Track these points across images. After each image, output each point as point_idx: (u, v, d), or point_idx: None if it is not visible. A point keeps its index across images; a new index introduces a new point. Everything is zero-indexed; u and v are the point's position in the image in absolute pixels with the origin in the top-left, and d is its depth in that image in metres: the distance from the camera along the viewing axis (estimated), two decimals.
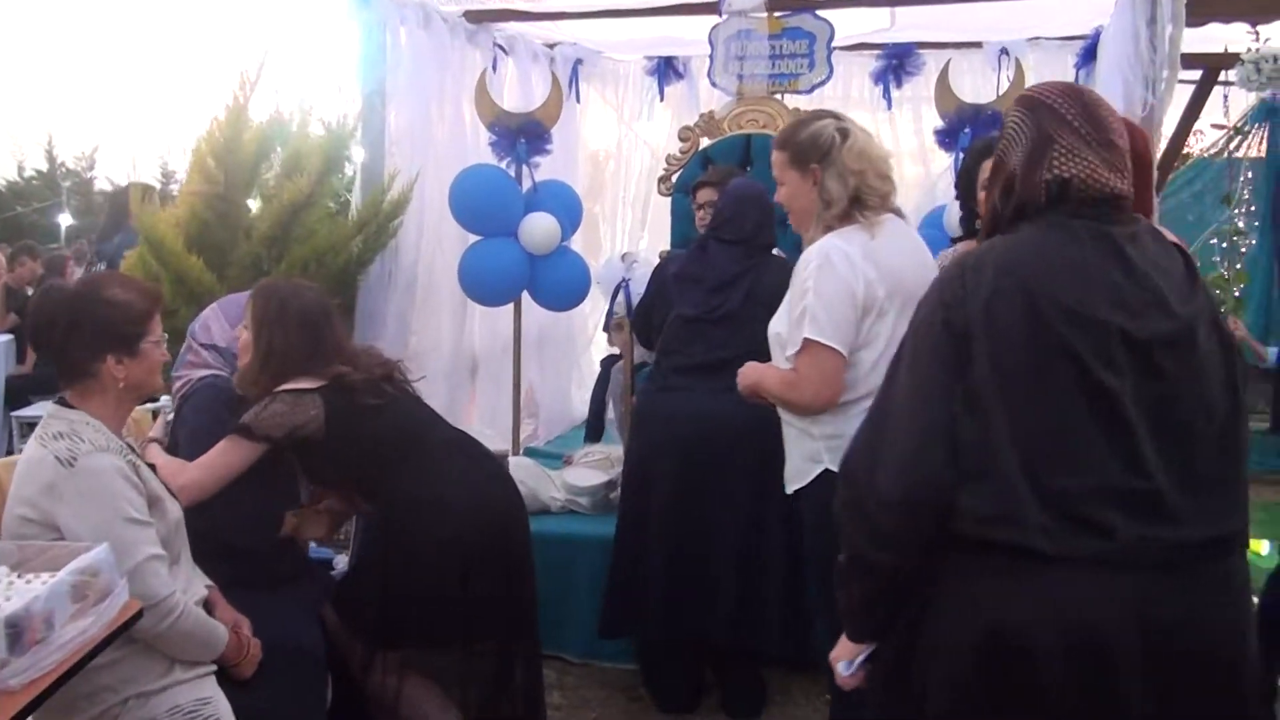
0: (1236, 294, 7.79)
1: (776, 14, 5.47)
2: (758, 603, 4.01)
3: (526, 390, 6.47)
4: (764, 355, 3.35)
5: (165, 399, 3.81)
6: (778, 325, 3.26)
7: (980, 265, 2.16)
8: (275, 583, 3.47)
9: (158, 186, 26.00)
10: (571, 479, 5.02)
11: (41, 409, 2.90)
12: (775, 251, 4.27)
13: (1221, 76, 7.02)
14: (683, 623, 4.12)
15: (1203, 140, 9.40)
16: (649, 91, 7.08)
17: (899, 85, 6.24)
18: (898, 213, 3.30)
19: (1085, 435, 2.06)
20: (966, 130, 5.13)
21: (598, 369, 7.32)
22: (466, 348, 6.09)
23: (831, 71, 5.56)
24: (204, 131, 4.82)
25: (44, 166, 33.59)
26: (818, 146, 3.22)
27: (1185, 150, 8.54)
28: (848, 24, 5.79)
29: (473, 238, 5.43)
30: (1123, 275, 2.12)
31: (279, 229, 4.75)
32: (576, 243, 6.11)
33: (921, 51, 6.15)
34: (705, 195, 4.91)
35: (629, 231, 7.47)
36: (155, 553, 2.73)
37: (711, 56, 5.60)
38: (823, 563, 3.12)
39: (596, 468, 5.14)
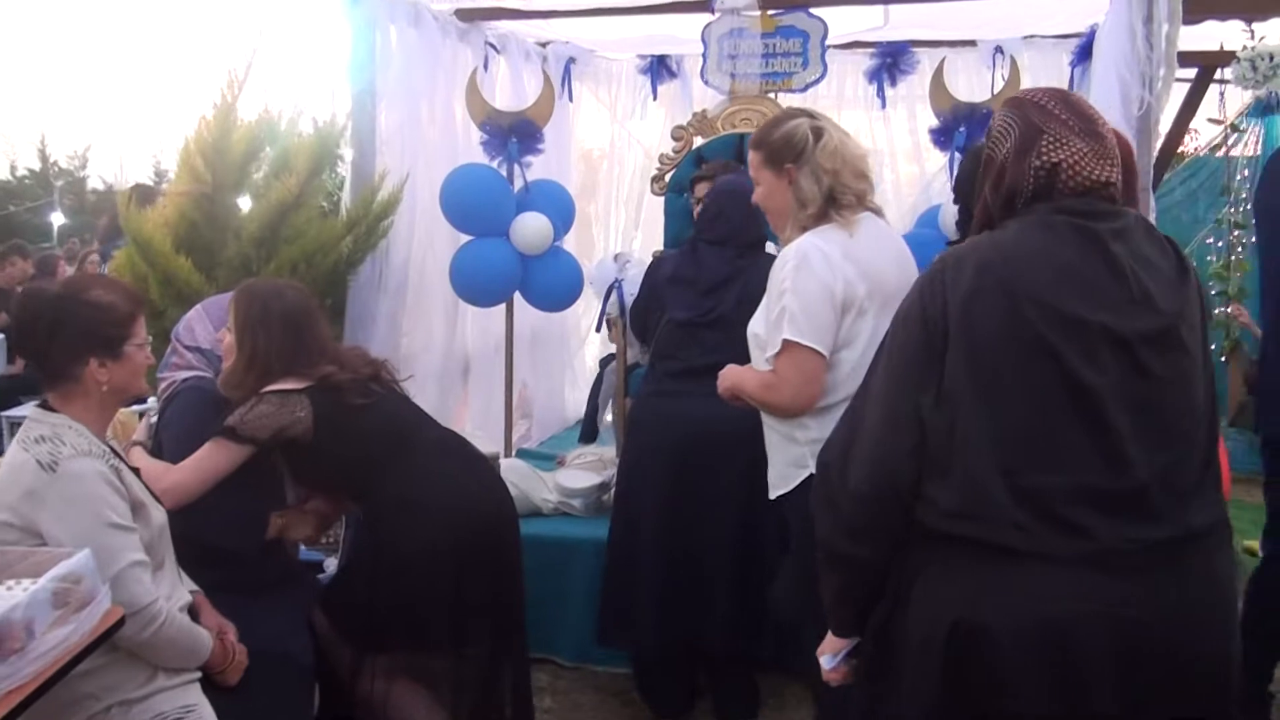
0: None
1: (770, 12, 5.44)
2: (751, 608, 3.97)
3: (519, 391, 6.43)
4: None
5: (151, 401, 3.77)
6: (756, 326, 3.23)
7: (961, 262, 2.17)
8: (261, 587, 3.44)
9: (150, 185, 25.97)
10: (564, 481, 4.99)
11: (30, 410, 2.86)
12: (770, 247, 4.23)
13: (1217, 75, 7.00)
14: (678, 630, 4.08)
15: (1198, 139, 9.38)
16: (642, 90, 7.03)
17: (893, 84, 6.20)
18: (877, 211, 3.29)
19: (1065, 433, 2.06)
20: (961, 129, 5.10)
21: (591, 369, 7.32)
22: (458, 349, 6.05)
23: (825, 70, 5.52)
24: (192, 131, 4.77)
25: (37, 165, 33.60)
26: (792, 146, 3.21)
27: (1180, 149, 8.52)
28: (841, 22, 5.75)
29: (464, 238, 5.39)
30: (1107, 272, 2.11)
31: (268, 230, 4.70)
32: (569, 242, 6.07)
33: (916, 50, 6.11)
34: (702, 190, 4.88)
35: (622, 231, 7.43)
36: (138, 559, 2.69)
37: (704, 55, 5.57)
38: (812, 568, 3.13)
39: (589, 469, 5.11)
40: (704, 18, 5.51)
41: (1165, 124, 5.60)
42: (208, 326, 3.66)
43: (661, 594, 4.07)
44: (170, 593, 2.88)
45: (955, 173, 4.99)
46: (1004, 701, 2.07)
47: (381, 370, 3.64)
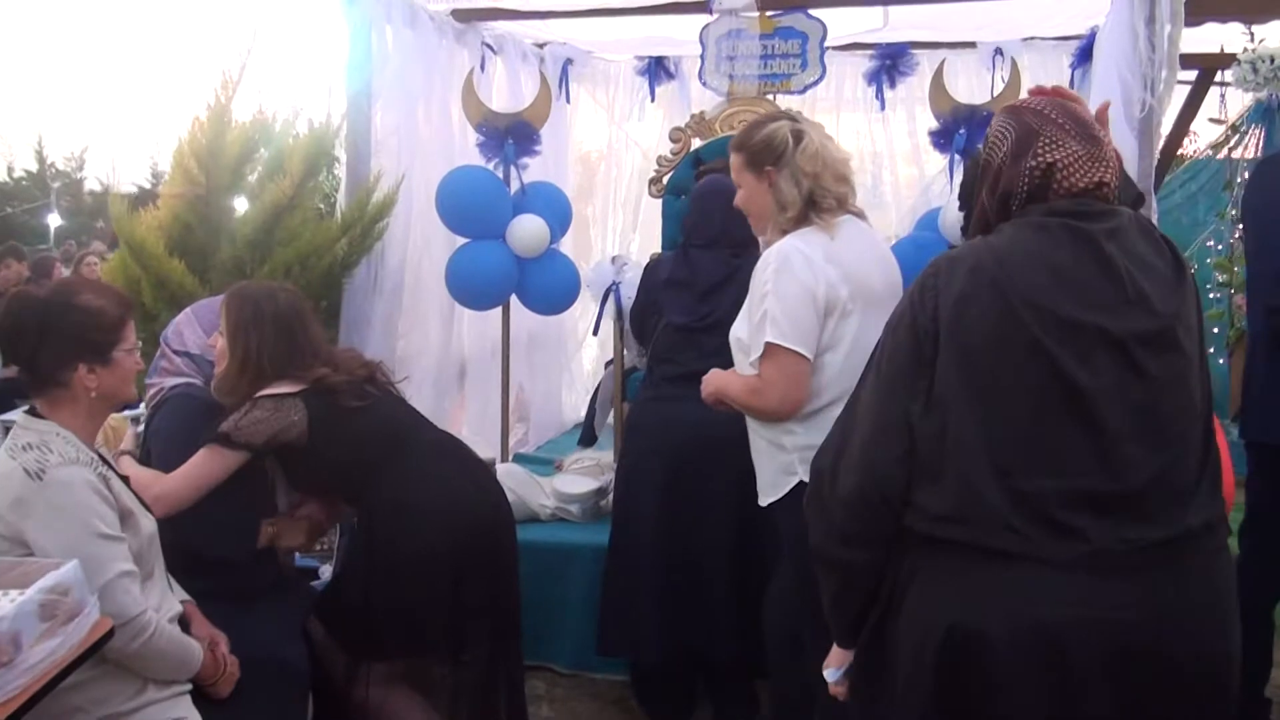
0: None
1: (768, 13, 5.40)
2: (751, 614, 3.94)
3: (516, 395, 6.39)
4: None
5: (142, 406, 3.73)
6: (739, 330, 3.22)
7: (953, 266, 2.17)
8: (254, 595, 3.40)
9: (148, 187, 25.96)
10: (561, 486, 4.95)
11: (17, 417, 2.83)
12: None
13: (1218, 77, 6.99)
14: (677, 637, 4.05)
15: (1197, 141, 9.37)
16: (640, 92, 7.00)
17: (892, 86, 6.17)
18: (859, 214, 3.29)
19: (1059, 436, 2.05)
20: (961, 131, 5.06)
21: (588, 372, 7.29)
22: (455, 352, 6.01)
23: (824, 72, 5.48)
24: (186, 132, 4.73)
25: (34, 167, 33.57)
26: (772, 149, 3.22)
27: (1180, 152, 8.50)
28: (840, 24, 5.72)
29: (460, 240, 5.35)
30: (1101, 273, 2.10)
31: (262, 232, 4.66)
32: (566, 245, 6.03)
33: (915, 52, 6.09)
34: None
35: (620, 233, 7.40)
36: (126, 569, 2.65)
37: (702, 56, 5.52)
38: (802, 577, 3.11)
39: (587, 474, 5.08)
40: (702, 19, 5.47)
41: (1166, 126, 5.58)
42: (197, 331, 3.61)
43: (660, 601, 4.03)
44: (160, 603, 2.83)
45: (955, 177, 4.98)
46: (999, 706, 2.06)
47: (376, 372, 3.61)
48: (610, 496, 4.68)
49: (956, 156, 5.06)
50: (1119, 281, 2.11)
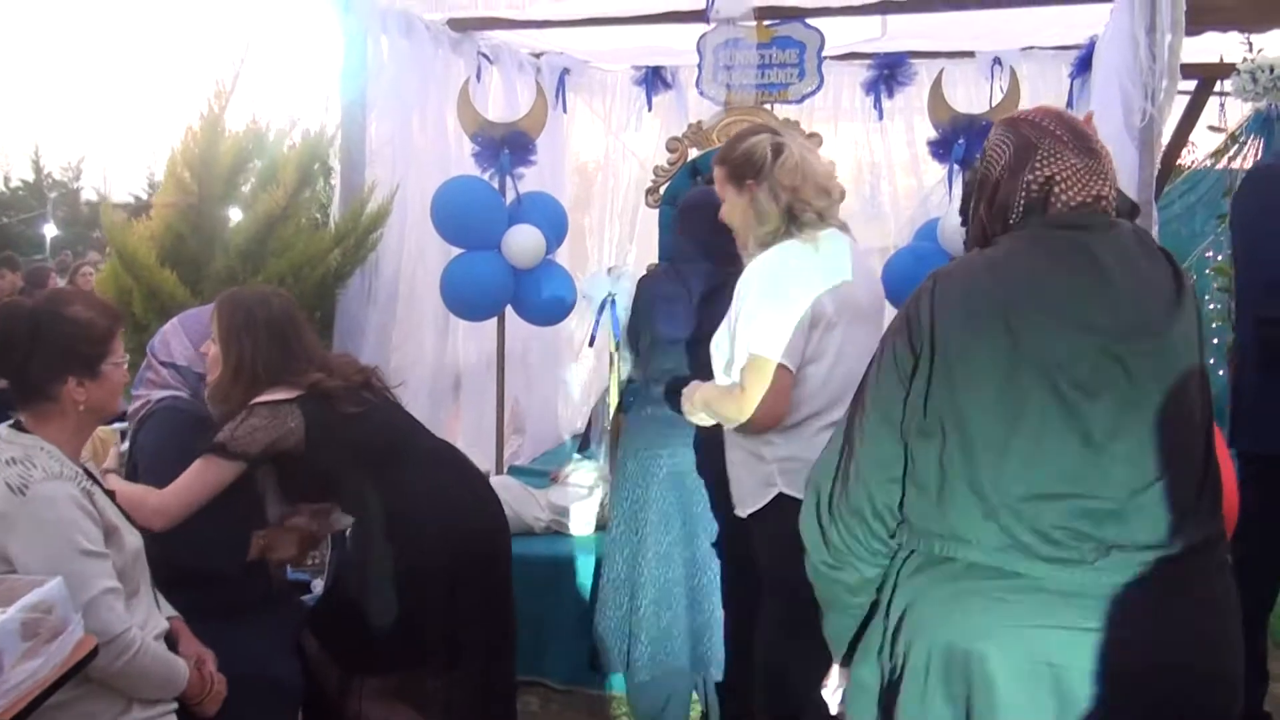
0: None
1: (766, 22, 5.37)
2: (746, 629, 3.90)
3: (511, 407, 6.35)
4: None
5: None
6: (720, 341, 3.23)
7: (948, 279, 2.16)
8: (245, 610, 3.35)
9: (144, 197, 25.97)
10: (556, 499, 4.91)
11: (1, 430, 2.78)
12: None
13: (1217, 87, 6.96)
14: (673, 655, 3.99)
15: (1195, 152, 9.34)
16: (637, 102, 6.95)
17: (890, 95, 6.12)
18: (842, 228, 3.30)
19: (1056, 452, 2.03)
20: (960, 141, 5.04)
21: (585, 383, 7.24)
22: (449, 363, 5.97)
23: (822, 81, 5.45)
24: (179, 142, 4.69)
25: (30, 177, 33.58)
26: (752, 163, 3.24)
27: (1178, 163, 8.48)
28: (838, 33, 5.68)
29: (455, 250, 5.32)
30: (1099, 288, 2.08)
31: (255, 242, 4.62)
32: (563, 255, 6.02)
33: (913, 61, 6.04)
34: None
35: (617, 244, 7.36)
36: (111, 586, 2.60)
37: (700, 66, 5.49)
38: (783, 589, 3.08)
39: (582, 486, 5.03)
40: (699, 28, 5.44)
41: (1165, 136, 5.55)
42: (184, 342, 3.56)
43: (657, 620, 3.99)
44: (145, 620, 2.78)
45: (954, 187, 4.95)
46: None
47: (372, 378, 3.56)
48: (605, 509, 4.64)
49: (955, 166, 5.04)
50: (1116, 294, 2.09)
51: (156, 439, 3.41)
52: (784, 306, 3.06)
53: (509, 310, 5.50)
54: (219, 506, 3.28)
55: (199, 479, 3.26)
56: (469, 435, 6.06)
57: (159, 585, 2.98)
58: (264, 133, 4.90)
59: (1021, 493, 2.02)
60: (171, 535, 3.16)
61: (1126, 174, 3.86)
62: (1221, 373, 7.53)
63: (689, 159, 5.49)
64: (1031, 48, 5.96)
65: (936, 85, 5.23)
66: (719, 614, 3.95)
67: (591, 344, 5.83)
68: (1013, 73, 5.45)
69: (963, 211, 2.41)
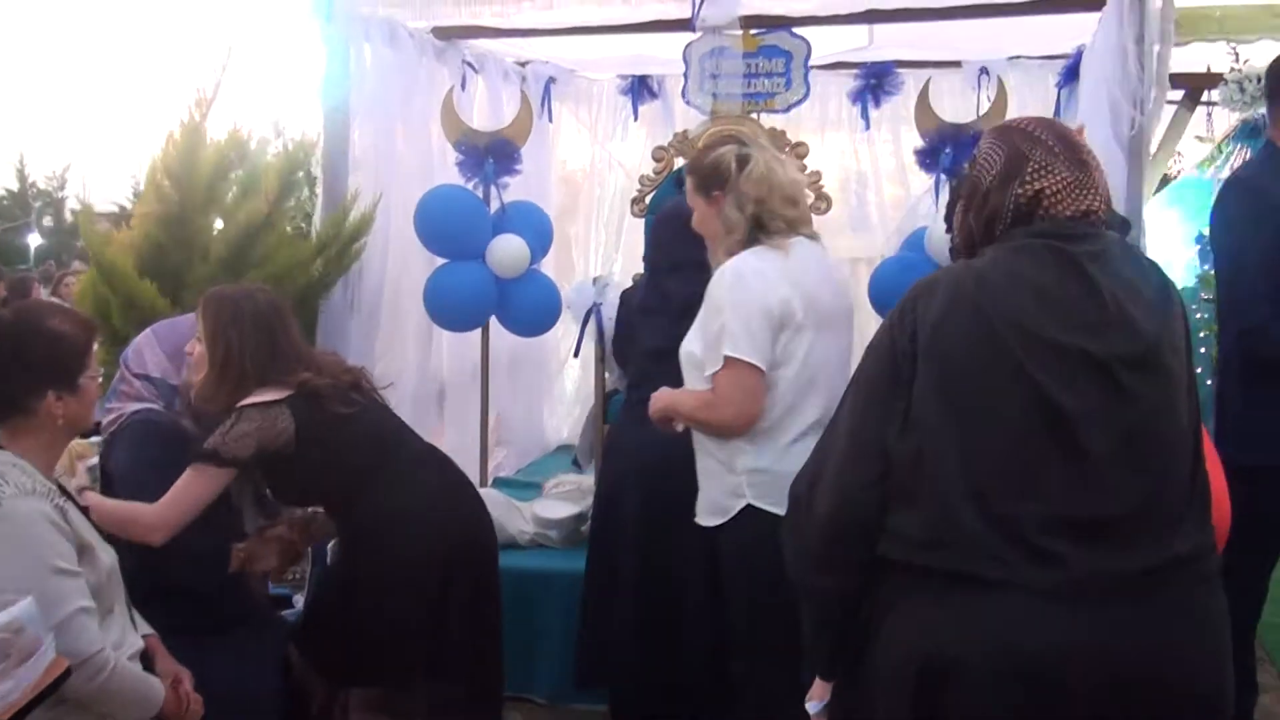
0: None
1: (752, 31, 5.35)
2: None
3: (496, 418, 6.31)
4: None
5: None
6: (691, 345, 3.24)
7: (933, 288, 2.14)
8: (224, 626, 3.31)
9: (128, 206, 25.87)
10: (541, 511, 4.87)
11: None
12: None
13: (1204, 97, 6.96)
14: (657, 668, 3.95)
15: (1182, 161, 9.34)
16: (623, 111, 6.92)
17: (877, 105, 6.12)
18: (812, 236, 3.32)
19: (1039, 459, 2.01)
20: (947, 150, 5.02)
21: (571, 394, 7.20)
22: (433, 374, 5.92)
23: (808, 91, 5.43)
24: (159, 150, 4.63)
25: (15, 186, 33.48)
26: (718, 174, 3.26)
27: (1165, 172, 8.48)
28: (825, 42, 5.66)
29: (439, 260, 5.28)
30: (1084, 294, 2.06)
31: (236, 252, 4.57)
32: (549, 265, 5.98)
33: (900, 71, 6.03)
34: None
35: (603, 254, 7.32)
36: (84, 605, 2.54)
37: (686, 75, 5.47)
38: (745, 602, 3.16)
39: (567, 499, 4.99)
40: (686, 37, 5.41)
41: (1153, 146, 5.54)
42: (158, 353, 3.49)
43: (639, 629, 3.95)
44: (120, 640, 2.73)
45: (941, 196, 4.93)
46: None
47: (361, 379, 3.51)
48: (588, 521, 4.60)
49: (942, 176, 5.03)
50: (1102, 303, 2.07)
51: (131, 453, 3.35)
52: (753, 308, 3.08)
53: (493, 320, 5.45)
54: (195, 519, 3.22)
55: (192, 489, 3.19)
56: (453, 447, 5.96)
57: (135, 602, 2.93)
58: (246, 141, 4.85)
59: (1002, 499, 2.01)
60: (147, 550, 3.11)
61: (1115, 183, 3.84)
62: (1210, 382, 7.54)
63: (675, 168, 5.46)
64: (1018, 57, 5.96)
65: (923, 95, 5.22)
66: (700, 619, 3.90)
67: (576, 355, 5.79)
68: (1000, 82, 5.44)
69: (947, 218, 2.40)
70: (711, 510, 3.27)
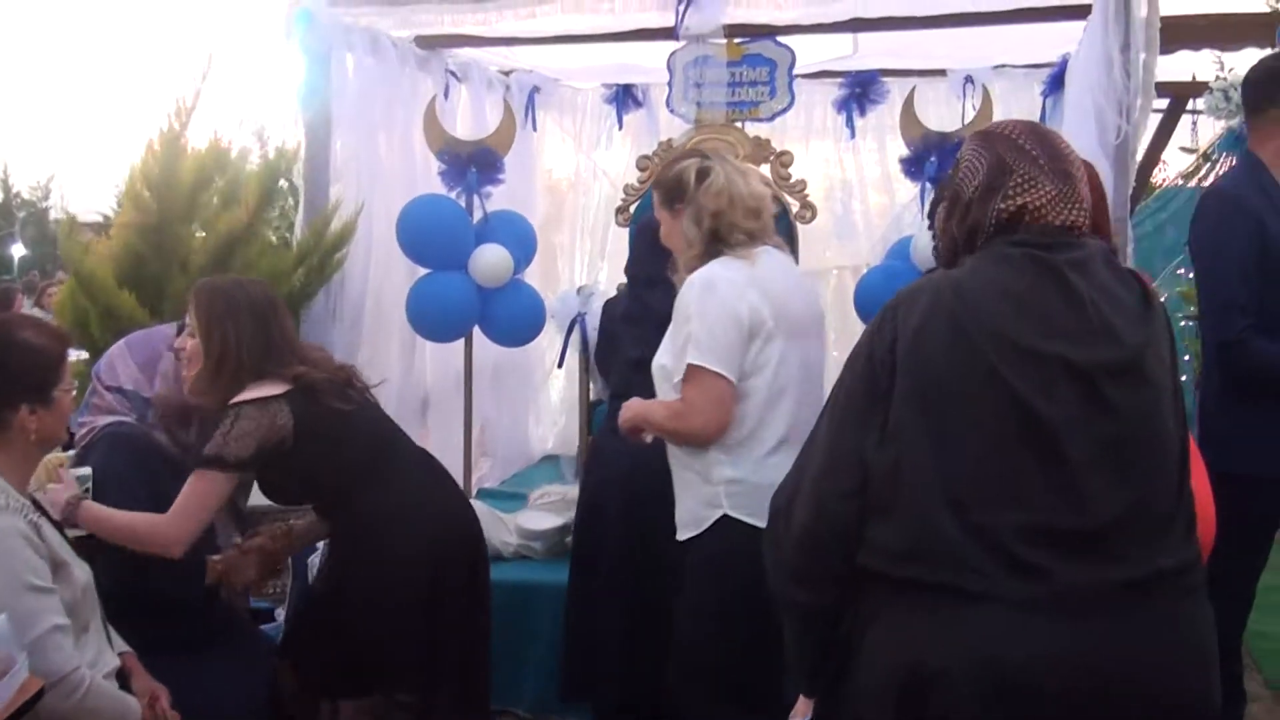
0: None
1: (736, 40, 5.33)
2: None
3: (480, 429, 6.28)
4: None
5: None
6: (663, 358, 3.23)
7: (912, 297, 2.13)
8: (201, 643, 3.25)
9: (113, 216, 25.81)
10: (525, 523, 4.83)
11: None
12: None
13: (1190, 105, 6.98)
14: (641, 681, 3.91)
15: (1167, 170, 9.37)
16: (607, 120, 6.91)
17: (862, 113, 6.10)
18: (778, 246, 3.33)
19: (1020, 469, 1.98)
20: (932, 159, 5.01)
21: (556, 404, 7.17)
22: (416, 384, 5.88)
23: (793, 99, 5.42)
24: (138, 159, 4.60)
25: None
26: (679, 187, 3.27)
27: (1151, 180, 8.50)
28: (809, 51, 5.65)
29: (422, 270, 5.24)
30: (1064, 302, 2.05)
31: (217, 262, 4.53)
32: (534, 275, 5.95)
33: (885, 79, 6.02)
34: None
35: (588, 263, 7.30)
36: (59, 623, 2.51)
37: (670, 83, 5.45)
38: (702, 617, 3.17)
39: (551, 510, 4.96)
40: (670, 46, 5.39)
41: (1139, 154, 5.55)
42: (130, 365, 3.43)
43: (622, 644, 3.94)
44: (96, 658, 2.69)
45: (926, 205, 4.91)
46: None
47: (353, 376, 3.46)
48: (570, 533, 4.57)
49: (927, 184, 5.02)
50: (1083, 311, 2.05)
51: (103, 468, 3.28)
52: (721, 316, 3.08)
53: (476, 331, 5.42)
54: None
55: (201, 495, 3.14)
56: (437, 457, 5.97)
57: (111, 618, 2.89)
58: (226, 150, 4.82)
59: (981, 509, 1.98)
60: (124, 567, 3.06)
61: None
62: (1195, 386, 7.54)
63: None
64: (1003, 66, 5.96)
65: (908, 103, 5.21)
66: None
67: (560, 365, 5.76)
68: (985, 91, 5.44)
69: (930, 215, 2.39)
70: (688, 522, 3.25)
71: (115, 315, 4.33)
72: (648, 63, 5.97)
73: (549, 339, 6.21)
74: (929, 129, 5.13)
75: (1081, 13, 4.54)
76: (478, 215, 5.27)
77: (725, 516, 3.13)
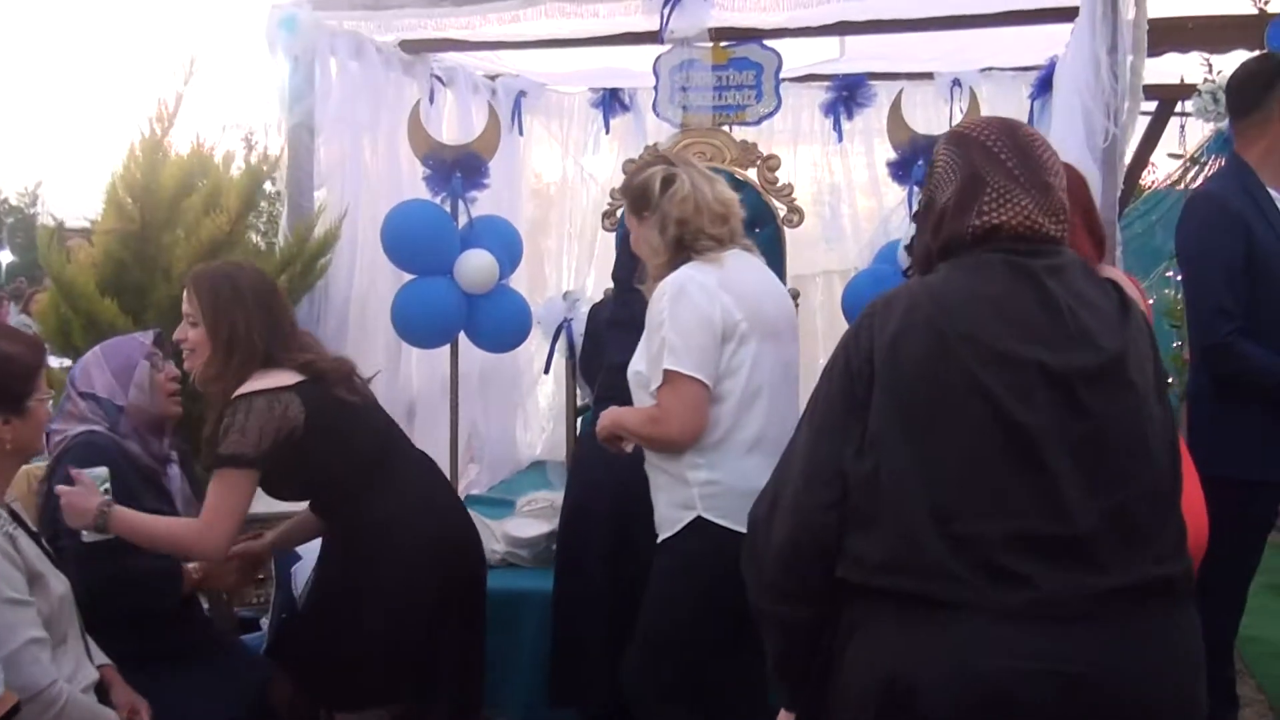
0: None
1: (722, 44, 5.31)
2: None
3: (468, 435, 6.25)
4: None
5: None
6: (638, 364, 3.22)
7: (889, 305, 2.11)
8: (181, 654, 3.20)
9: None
10: (512, 530, 4.79)
11: None
12: None
13: (1178, 108, 6.97)
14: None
15: (1155, 173, 9.36)
16: (594, 124, 6.88)
17: (850, 117, 6.08)
18: (748, 249, 3.33)
19: (1000, 477, 1.96)
20: (920, 162, 5.00)
21: (544, 410, 7.14)
22: (403, 391, 5.85)
23: (779, 103, 5.39)
24: (119, 165, 4.56)
25: None
26: (645, 195, 3.27)
27: (1139, 184, 8.49)
28: (796, 54, 5.65)
29: (408, 276, 5.21)
30: (1041, 308, 2.03)
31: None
32: (522, 279, 5.92)
33: (872, 83, 6.01)
34: None
35: (576, 267, 7.27)
36: (36, 636, 2.47)
37: (656, 87, 5.43)
38: (667, 616, 3.18)
39: (539, 517, 4.92)
40: (656, 50, 5.37)
41: (1126, 157, 5.54)
42: (105, 372, 3.37)
43: (609, 649, 3.89)
44: (74, 672, 2.65)
45: (914, 209, 4.90)
46: None
47: (353, 370, 3.41)
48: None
49: (915, 188, 5.00)
50: (1059, 317, 2.03)
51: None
52: (698, 320, 3.08)
53: (462, 336, 5.39)
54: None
55: (229, 495, 3.09)
56: None
57: (88, 630, 2.85)
58: (209, 156, 4.78)
59: (962, 518, 1.96)
60: (96, 576, 3.00)
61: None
62: (1181, 404, 7.54)
63: None
64: (991, 69, 5.95)
65: (895, 106, 5.20)
66: None
67: (547, 371, 5.73)
68: (972, 94, 5.43)
69: (915, 219, 2.36)
70: (663, 523, 3.26)
71: (97, 323, 4.30)
72: (635, 66, 5.96)
73: (536, 344, 6.19)
74: (916, 132, 5.12)
75: (1069, 15, 4.54)
76: (463, 220, 5.25)
77: (699, 518, 3.13)
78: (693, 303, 3.07)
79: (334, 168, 5.20)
